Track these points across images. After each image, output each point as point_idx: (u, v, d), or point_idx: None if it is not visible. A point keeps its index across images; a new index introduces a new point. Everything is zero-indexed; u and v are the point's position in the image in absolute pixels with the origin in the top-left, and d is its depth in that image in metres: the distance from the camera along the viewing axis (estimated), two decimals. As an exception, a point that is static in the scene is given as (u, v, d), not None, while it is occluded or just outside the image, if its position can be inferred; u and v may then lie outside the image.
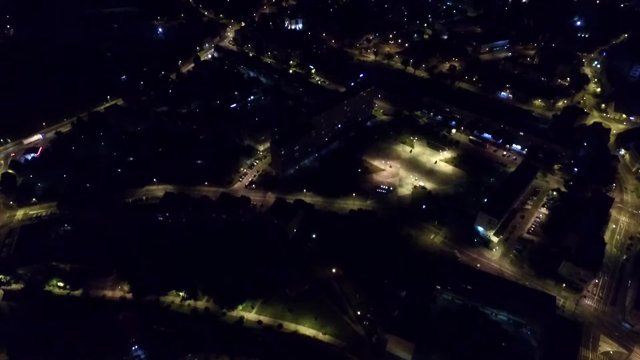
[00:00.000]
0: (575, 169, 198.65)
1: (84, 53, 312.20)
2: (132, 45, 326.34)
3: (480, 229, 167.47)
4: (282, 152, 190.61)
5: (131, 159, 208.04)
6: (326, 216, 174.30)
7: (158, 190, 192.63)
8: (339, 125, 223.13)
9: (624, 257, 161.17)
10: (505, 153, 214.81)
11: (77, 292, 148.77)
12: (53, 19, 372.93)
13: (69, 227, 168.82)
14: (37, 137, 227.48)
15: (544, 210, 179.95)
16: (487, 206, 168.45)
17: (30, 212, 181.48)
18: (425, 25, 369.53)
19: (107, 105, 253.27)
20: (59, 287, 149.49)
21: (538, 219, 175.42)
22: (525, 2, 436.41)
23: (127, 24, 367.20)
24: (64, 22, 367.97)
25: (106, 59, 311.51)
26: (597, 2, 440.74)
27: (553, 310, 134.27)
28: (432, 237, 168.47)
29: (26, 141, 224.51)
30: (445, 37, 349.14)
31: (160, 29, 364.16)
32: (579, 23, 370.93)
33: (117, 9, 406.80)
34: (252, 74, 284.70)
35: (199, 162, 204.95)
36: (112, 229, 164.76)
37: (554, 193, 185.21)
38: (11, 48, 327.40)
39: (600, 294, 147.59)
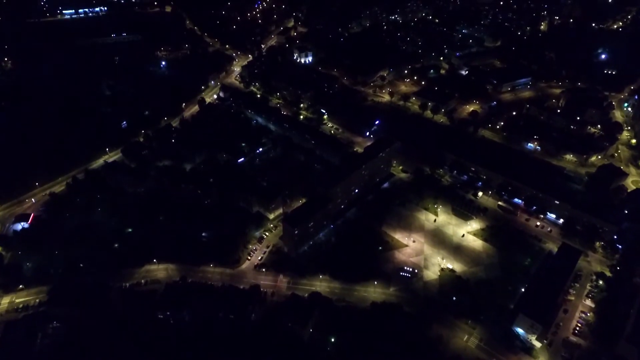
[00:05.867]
0: (619, 246, 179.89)
1: (82, 91, 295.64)
2: (133, 81, 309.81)
3: (520, 330, 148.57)
4: (296, 232, 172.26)
5: (130, 230, 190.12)
6: (345, 311, 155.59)
7: (159, 270, 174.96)
8: (356, 190, 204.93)
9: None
10: (539, 223, 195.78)
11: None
12: (53, 50, 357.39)
13: (57, 324, 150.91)
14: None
15: (588, 302, 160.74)
16: (526, 305, 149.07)
17: (17, 300, 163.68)
18: (442, 58, 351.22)
19: (106, 158, 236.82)
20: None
21: (584, 315, 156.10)
22: (544, 30, 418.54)
23: (129, 56, 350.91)
24: (65, 53, 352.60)
25: (105, 98, 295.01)
26: (619, 30, 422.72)
27: None
28: (465, 338, 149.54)
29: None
30: (463, 72, 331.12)
31: (163, 62, 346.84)
32: (603, 56, 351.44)
33: (120, 38, 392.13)
34: (260, 120, 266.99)
35: (203, 235, 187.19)
36: (106, 329, 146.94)
37: (600, 282, 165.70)
38: (8, 85, 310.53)
39: None
